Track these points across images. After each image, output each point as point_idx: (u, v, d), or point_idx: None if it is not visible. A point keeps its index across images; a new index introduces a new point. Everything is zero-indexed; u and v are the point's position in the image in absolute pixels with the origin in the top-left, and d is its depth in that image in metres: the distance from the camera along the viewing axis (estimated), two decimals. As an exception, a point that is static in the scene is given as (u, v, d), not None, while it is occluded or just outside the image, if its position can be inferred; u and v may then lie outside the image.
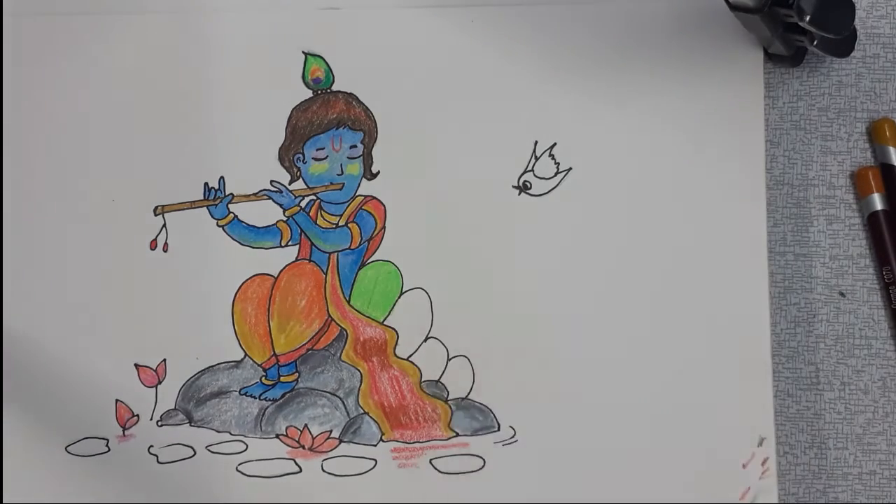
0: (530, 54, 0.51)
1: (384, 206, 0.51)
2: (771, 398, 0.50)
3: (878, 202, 0.51)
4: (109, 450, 0.51)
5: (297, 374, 0.51)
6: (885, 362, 0.53)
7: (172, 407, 0.51)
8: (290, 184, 0.51)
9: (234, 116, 0.51)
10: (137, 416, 0.51)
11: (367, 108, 0.51)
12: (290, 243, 0.51)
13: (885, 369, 0.53)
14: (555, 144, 0.51)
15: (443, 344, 0.51)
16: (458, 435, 0.51)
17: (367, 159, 0.51)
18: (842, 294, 0.52)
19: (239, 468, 0.51)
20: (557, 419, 0.51)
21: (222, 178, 0.51)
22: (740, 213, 0.51)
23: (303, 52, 0.51)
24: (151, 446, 0.51)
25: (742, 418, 0.50)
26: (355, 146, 0.51)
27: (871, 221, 0.52)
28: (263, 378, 0.51)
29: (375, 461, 0.51)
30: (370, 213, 0.51)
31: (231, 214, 0.51)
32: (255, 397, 0.51)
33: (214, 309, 0.51)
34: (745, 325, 0.51)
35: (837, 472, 0.53)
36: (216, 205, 0.51)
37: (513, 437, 0.51)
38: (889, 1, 0.53)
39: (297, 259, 0.51)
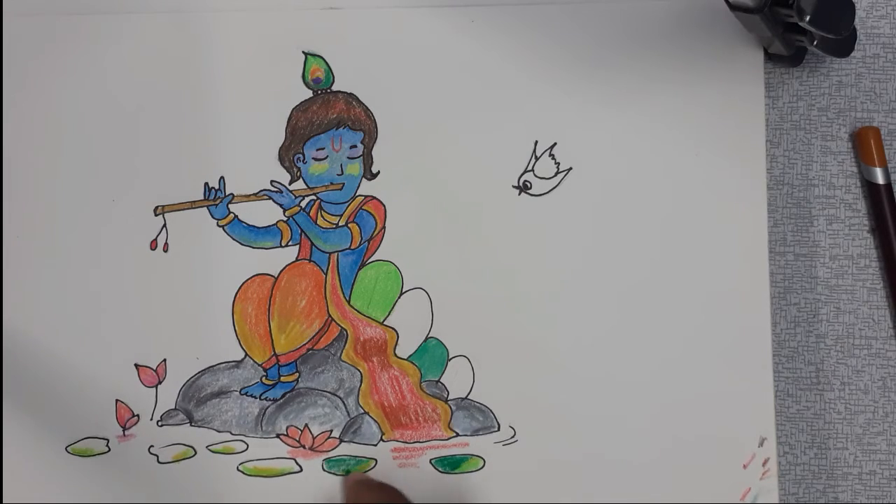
0: (530, 54, 0.51)
1: (384, 206, 0.51)
2: (772, 399, 0.50)
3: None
4: (110, 450, 0.51)
5: (297, 373, 0.51)
6: (885, 362, 0.53)
7: (173, 407, 0.51)
8: (290, 184, 0.51)
9: (234, 116, 0.51)
10: (138, 416, 0.51)
11: (367, 108, 0.51)
12: (290, 243, 0.51)
13: (885, 369, 0.53)
14: (555, 144, 0.51)
15: (443, 344, 0.51)
16: (458, 435, 0.51)
17: (367, 159, 0.51)
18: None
19: (239, 468, 0.51)
20: (557, 419, 0.51)
21: (222, 178, 0.51)
22: (740, 213, 0.51)
23: (303, 52, 0.51)
24: (152, 446, 0.51)
25: (743, 419, 0.50)
26: (355, 146, 0.51)
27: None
28: (264, 378, 0.51)
29: (375, 461, 0.51)
30: (370, 213, 0.51)
31: (231, 214, 0.51)
32: (255, 397, 0.51)
33: (214, 309, 0.51)
34: (745, 325, 0.51)
35: (837, 472, 0.53)
36: (216, 205, 0.51)
37: (513, 437, 0.51)
38: (889, 1, 0.53)
39: (297, 259, 0.51)
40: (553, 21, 0.51)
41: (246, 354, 0.51)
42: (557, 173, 0.51)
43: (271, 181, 0.51)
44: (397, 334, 0.51)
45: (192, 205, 0.51)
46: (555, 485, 0.51)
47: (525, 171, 0.51)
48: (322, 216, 0.51)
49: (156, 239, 0.51)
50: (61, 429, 0.50)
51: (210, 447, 0.51)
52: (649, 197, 0.51)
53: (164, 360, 0.51)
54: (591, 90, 0.51)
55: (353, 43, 0.51)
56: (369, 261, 0.51)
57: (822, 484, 0.53)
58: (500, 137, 0.51)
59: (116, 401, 0.51)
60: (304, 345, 0.51)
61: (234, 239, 0.51)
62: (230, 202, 0.51)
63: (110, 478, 0.50)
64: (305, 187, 0.51)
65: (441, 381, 0.51)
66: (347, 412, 0.51)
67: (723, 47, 0.51)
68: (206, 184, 0.51)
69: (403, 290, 0.51)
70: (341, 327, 0.51)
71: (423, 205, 0.51)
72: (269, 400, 0.51)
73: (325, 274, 0.51)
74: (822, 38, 0.47)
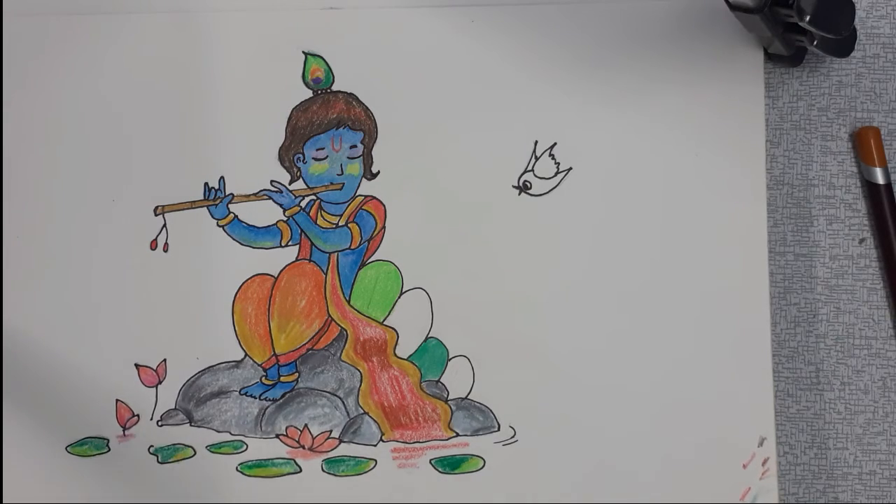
0: (530, 54, 0.51)
1: (384, 206, 0.51)
2: (772, 398, 0.50)
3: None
4: (110, 450, 0.51)
5: (297, 373, 0.51)
6: (885, 362, 0.53)
7: (173, 407, 0.51)
8: (290, 184, 0.51)
9: (234, 116, 0.51)
10: (138, 415, 0.51)
11: (367, 108, 0.51)
12: (290, 243, 0.51)
13: (885, 369, 0.53)
14: (555, 144, 0.51)
15: (443, 344, 0.51)
16: (458, 435, 0.51)
17: (367, 159, 0.51)
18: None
19: (239, 468, 0.51)
20: (557, 419, 0.51)
21: (222, 178, 0.51)
22: (740, 213, 0.51)
23: (303, 52, 0.51)
24: (152, 446, 0.51)
25: (742, 418, 0.50)
26: (355, 146, 0.51)
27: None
28: (263, 378, 0.51)
29: (375, 461, 0.51)
30: (370, 213, 0.51)
31: (231, 214, 0.51)
32: (255, 397, 0.51)
33: (214, 309, 0.51)
34: (745, 325, 0.51)
35: (837, 472, 0.53)
36: (216, 205, 0.51)
37: (513, 437, 0.51)
38: (889, 1, 0.53)
39: (297, 259, 0.51)
40: (553, 21, 0.51)
41: (246, 354, 0.51)
42: (557, 173, 0.51)
43: (271, 181, 0.51)
44: (397, 334, 0.51)
45: (192, 205, 0.51)
46: (555, 485, 0.51)
47: (525, 171, 0.51)
48: (322, 216, 0.51)
49: (156, 239, 0.51)
50: (61, 429, 0.50)
51: (210, 447, 0.51)
52: (649, 197, 0.51)
53: (164, 360, 0.51)
54: (591, 90, 0.51)
55: (353, 43, 0.51)
56: (369, 261, 0.51)
57: (822, 484, 0.53)
58: (500, 137, 0.51)
59: (116, 401, 0.51)
60: (304, 345, 0.51)
61: (234, 239, 0.51)
62: (230, 202, 0.51)
63: (110, 478, 0.50)
64: (305, 187, 0.51)
65: (441, 381, 0.51)
66: (347, 412, 0.51)
67: (723, 47, 0.51)
68: (206, 184, 0.51)
69: (403, 290, 0.51)
70: (341, 327, 0.51)
71: (423, 205, 0.51)
72: (269, 400, 0.51)
73: (325, 274, 0.51)
74: (822, 38, 0.47)
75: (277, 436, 0.51)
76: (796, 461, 0.53)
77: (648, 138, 0.51)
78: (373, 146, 0.51)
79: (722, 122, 0.51)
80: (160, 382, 0.51)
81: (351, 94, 0.51)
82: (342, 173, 0.51)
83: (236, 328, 0.51)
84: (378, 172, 0.51)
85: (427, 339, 0.51)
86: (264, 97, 0.51)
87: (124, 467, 0.51)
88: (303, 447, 0.51)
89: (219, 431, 0.51)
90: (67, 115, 0.51)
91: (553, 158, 0.51)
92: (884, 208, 0.52)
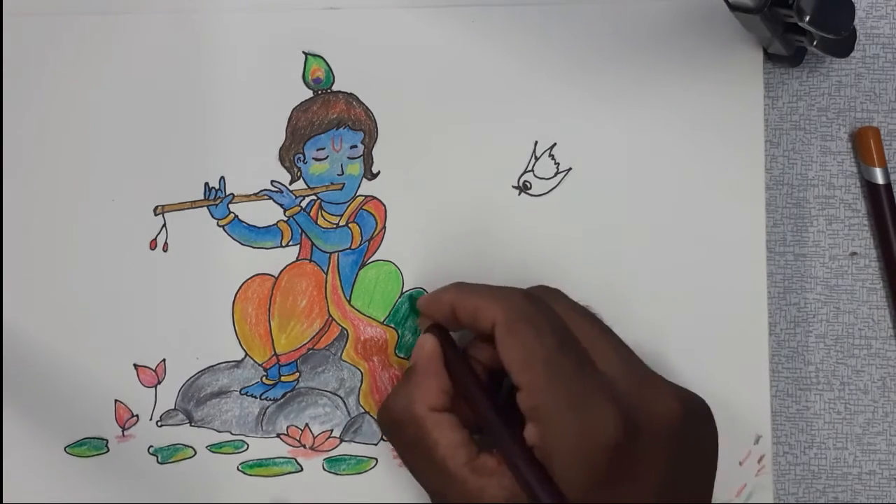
0: (530, 54, 0.51)
1: (384, 206, 0.51)
2: (768, 396, 0.50)
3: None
4: (109, 450, 0.50)
5: (297, 373, 0.51)
6: (885, 362, 0.53)
7: (172, 407, 0.51)
8: (290, 184, 0.51)
9: (234, 116, 0.51)
10: (137, 416, 0.51)
11: (367, 108, 0.51)
12: (290, 243, 0.51)
13: (885, 369, 0.53)
14: (555, 144, 0.51)
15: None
16: (458, 435, 0.51)
17: (368, 159, 0.51)
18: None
19: (239, 468, 0.51)
20: (558, 419, 0.51)
21: (222, 178, 0.51)
22: (740, 213, 0.51)
23: (303, 52, 0.51)
24: (151, 446, 0.51)
25: (739, 416, 0.50)
26: (355, 146, 0.51)
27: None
28: (264, 378, 0.51)
29: (376, 460, 0.51)
30: (370, 213, 0.51)
31: (231, 214, 0.51)
32: (255, 397, 0.51)
33: (214, 309, 0.51)
34: (742, 323, 0.51)
35: (837, 472, 0.53)
36: (216, 205, 0.51)
37: (513, 436, 0.51)
38: (889, 1, 0.53)
39: (297, 259, 0.51)
40: (553, 21, 0.51)
41: (246, 354, 0.51)
42: (557, 173, 0.51)
43: (272, 181, 0.51)
44: (398, 334, 0.51)
45: (192, 205, 0.51)
46: (555, 485, 0.51)
47: (525, 172, 0.51)
48: (322, 216, 0.51)
49: (155, 239, 0.51)
50: (60, 429, 0.50)
51: (210, 447, 0.51)
52: (648, 197, 0.51)
53: (164, 360, 0.51)
54: (591, 90, 0.51)
55: (353, 43, 0.51)
56: (370, 261, 0.51)
57: (821, 484, 0.53)
58: (500, 137, 0.51)
59: (115, 401, 0.50)
60: (305, 344, 0.51)
61: (234, 239, 0.51)
62: (230, 202, 0.51)
63: (110, 478, 0.50)
64: (306, 187, 0.51)
65: (441, 380, 0.51)
66: (348, 412, 0.51)
67: (722, 47, 0.51)
68: (207, 184, 0.51)
69: (404, 290, 0.51)
70: (342, 327, 0.51)
71: (423, 205, 0.51)
72: (270, 400, 0.51)
73: (326, 274, 0.51)
74: (821, 38, 0.47)
75: (278, 435, 0.51)
76: (796, 461, 0.53)
77: (648, 138, 0.51)
78: (373, 146, 0.51)
79: (721, 122, 0.51)
80: (159, 382, 0.51)
81: (351, 95, 0.51)
82: (342, 173, 0.51)
83: (236, 328, 0.51)
84: (378, 172, 0.51)
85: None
86: (264, 97, 0.51)
87: (124, 468, 0.51)
88: (304, 446, 0.51)
89: (219, 431, 0.51)
90: (67, 115, 0.51)
91: (553, 158, 0.51)
92: (884, 208, 0.52)
